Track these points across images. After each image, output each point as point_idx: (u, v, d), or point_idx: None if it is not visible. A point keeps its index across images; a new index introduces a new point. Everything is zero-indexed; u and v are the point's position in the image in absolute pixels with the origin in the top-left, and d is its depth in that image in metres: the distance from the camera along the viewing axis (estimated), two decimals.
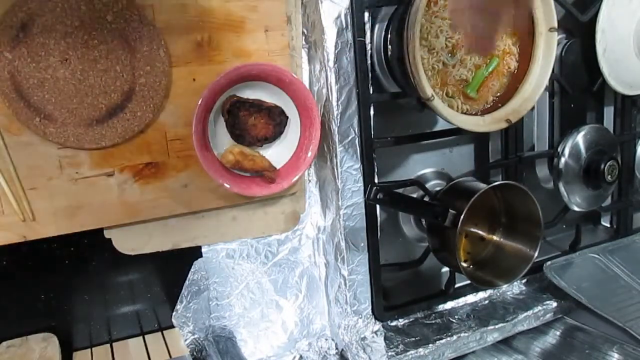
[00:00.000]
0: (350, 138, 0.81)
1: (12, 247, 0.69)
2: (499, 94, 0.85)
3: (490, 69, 0.83)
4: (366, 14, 0.79)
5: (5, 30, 0.63)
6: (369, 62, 0.80)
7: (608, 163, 0.97)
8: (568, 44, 0.97)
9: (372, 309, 0.88)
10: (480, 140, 0.98)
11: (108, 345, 0.83)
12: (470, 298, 0.97)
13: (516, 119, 0.83)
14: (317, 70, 0.81)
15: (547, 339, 0.96)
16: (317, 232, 0.89)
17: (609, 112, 1.09)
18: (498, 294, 1.00)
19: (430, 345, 0.85)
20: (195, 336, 0.83)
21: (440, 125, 0.93)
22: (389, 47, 0.80)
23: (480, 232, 0.94)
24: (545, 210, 0.87)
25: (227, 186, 0.74)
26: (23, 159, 0.67)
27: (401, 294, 0.93)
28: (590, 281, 0.99)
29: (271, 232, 0.86)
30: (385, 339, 0.86)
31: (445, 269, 1.00)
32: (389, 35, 0.80)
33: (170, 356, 0.79)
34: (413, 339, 0.87)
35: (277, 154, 0.80)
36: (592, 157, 0.98)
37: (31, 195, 0.68)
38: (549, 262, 1.00)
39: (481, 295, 0.98)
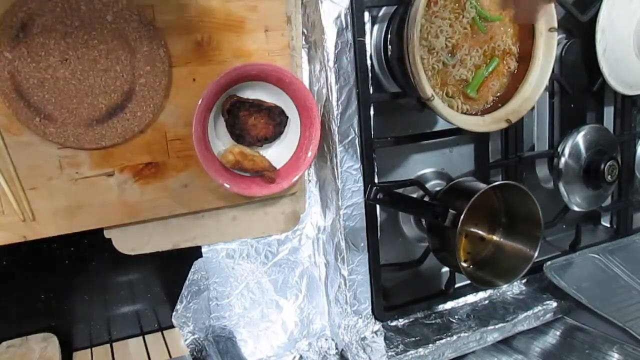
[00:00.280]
0: (350, 138, 0.81)
1: (12, 247, 0.69)
2: (499, 94, 0.85)
3: (490, 69, 0.83)
4: (366, 14, 0.79)
5: (5, 30, 0.63)
6: (369, 62, 0.80)
7: (608, 163, 0.97)
8: (568, 44, 0.97)
9: (372, 309, 0.88)
10: (480, 140, 0.98)
11: (108, 345, 0.83)
12: (470, 298, 0.97)
13: (516, 119, 0.83)
14: (317, 70, 0.81)
15: (547, 339, 0.96)
16: (317, 232, 0.89)
17: (609, 112, 1.09)
18: (498, 294, 1.00)
19: (430, 345, 0.85)
20: (195, 336, 0.83)
21: (440, 125, 0.93)
22: (389, 47, 0.80)
23: (480, 232, 0.94)
24: (545, 210, 0.87)
25: (227, 186, 0.74)
26: (23, 159, 0.67)
27: (401, 294, 0.93)
28: (590, 281, 0.99)
29: (271, 232, 0.86)
30: (385, 339, 0.86)
31: (445, 269, 1.00)
32: (389, 35, 0.80)
33: (170, 356, 0.79)
34: (413, 339, 0.87)
35: (277, 154, 0.80)
36: (592, 157, 0.98)
37: (31, 195, 0.68)
38: (549, 262, 1.00)
39: (481, 295, 0.98)
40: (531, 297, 0.99)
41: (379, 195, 0.77)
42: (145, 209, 0.75)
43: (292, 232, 0.88)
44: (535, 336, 0.96)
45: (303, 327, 0.91)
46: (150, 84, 0.71)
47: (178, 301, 0.82)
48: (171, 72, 0.72)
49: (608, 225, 1.17)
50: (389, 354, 0.84)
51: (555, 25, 0.82)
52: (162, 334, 0.86)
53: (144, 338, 0.85)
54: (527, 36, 0.84)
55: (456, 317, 0.93)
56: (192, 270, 0.82)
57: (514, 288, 1.01)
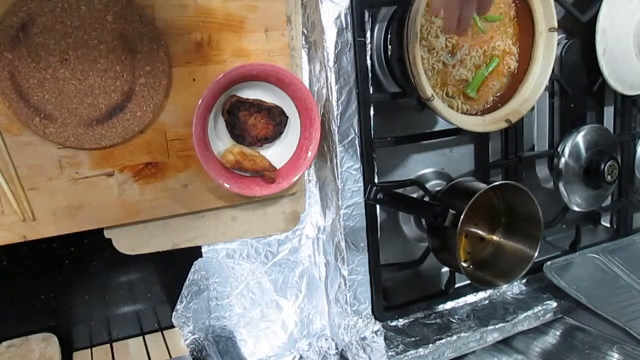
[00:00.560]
0: (350, 138, 0.81)
1: (12, 247, 0.69)
2: (499, 94, 0.86)
3: (490, 69, 0.83)
4: (366, 14, 0.79)
5: (5, 30, 0.63)
6: (369, 62, 0.80)
7: (608, 163, 0.97)
8: (568, 44, 0.97)
9: (372, 309, 0.87)
10: (480, 140, 0.98)
11: (108, 345, 0.83)
12: (470, 298, 0.97)
13: (516, 119, 0.83)
14: (317, 70, 0.81)
15: (547, 339, 0.96)
16: (317, 232, 0.89)
17: (609, 112, 1.09)
18: (498, 294, 1.00)
19: (430, 345, 0.86)
20: (195, 336, 0.83)
21: (440, 125, 0.93)
22: (389, 47, 0.80)
23: (480, 232, 0.94)
24: (545, 210, 0.87)
25: (227, 186, 0.74)
26: (23, 159, 0.67)
27: (401, 294, 0.93)
28: (590, 281, 0.99)
29: (271, 232, 0.86)
30: (385, 339, 0.86)
31: (445, 269, 1.00)
32: (389, 35, 0.80)
33: (170, 356, 0.79)
34: (413, 339, 0.87)
35: (277, 154, 0.80)
36: (592, 157, 0.98)
37: (31, 195, 0.68)
38: (549, 262, 1.00)
39: (481, 295, 0.98)
40: (531, 297, 0.99)
41: (379, 195, 0.77)
42: (145, 209, 0.75)
43: (292, 232, 0.88)
44: (535, 336, 0.96)
45: (303, 327, 0.91)
46: (150, 84, 0.71)
47: (178, 301, 0.82)
48: (171, 72, 0.72)
49: (608, 225, 1.17)
50: (389, 354, 0.84)
51: (555, 25, 0.82)
52: (162, 334, 0.86)
53: (144, 338, 0.85)
54: (527, 36, 0.84)
55: (456, 317, 0.93)
56: (192, 270, 0.82)
57: (514, 288, 1.01)
